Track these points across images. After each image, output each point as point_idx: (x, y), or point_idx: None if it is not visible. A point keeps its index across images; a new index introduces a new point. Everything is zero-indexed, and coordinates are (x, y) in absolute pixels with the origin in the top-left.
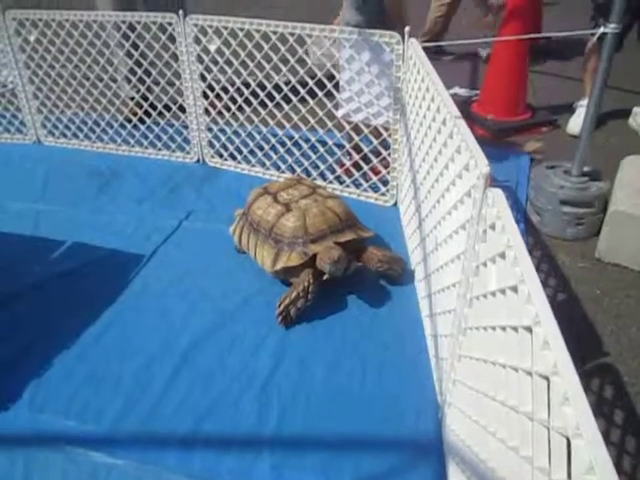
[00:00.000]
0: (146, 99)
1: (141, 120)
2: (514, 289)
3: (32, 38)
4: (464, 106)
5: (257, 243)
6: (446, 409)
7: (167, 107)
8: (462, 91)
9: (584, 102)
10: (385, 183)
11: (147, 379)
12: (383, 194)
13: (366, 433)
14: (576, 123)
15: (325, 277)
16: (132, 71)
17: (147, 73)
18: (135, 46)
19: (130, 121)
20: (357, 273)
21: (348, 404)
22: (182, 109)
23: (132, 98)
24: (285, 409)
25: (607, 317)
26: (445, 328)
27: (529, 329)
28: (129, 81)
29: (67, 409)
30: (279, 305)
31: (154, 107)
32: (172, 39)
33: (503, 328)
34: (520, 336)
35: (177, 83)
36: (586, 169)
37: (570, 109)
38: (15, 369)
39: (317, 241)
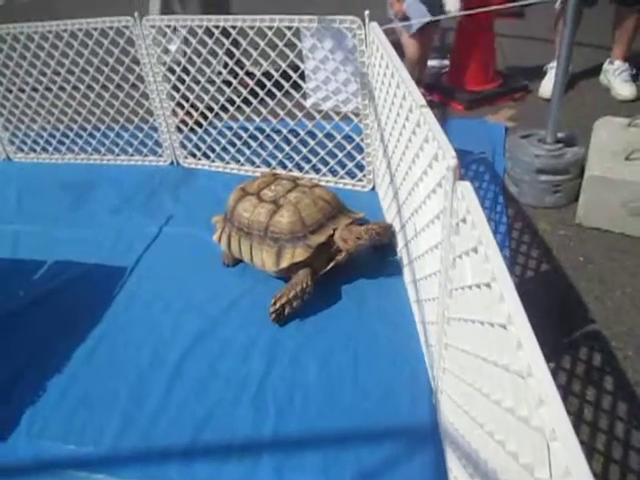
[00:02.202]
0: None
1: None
2: (488, 286)
3: None
4: (435, 78)
5: (252, 246)
6: (439, 395)
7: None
8: (433, 62)
9: (555, 64)
10: (361, 168)
11: (141, 394)
12: (360, 179)
13: (363, 426)
14: (548, 86)
15: (323, 272)
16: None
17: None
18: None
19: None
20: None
21: (343, 398)
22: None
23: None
24: (281, 410)
25: (591, 283)
26: (431, 315)
27: (504, 327)
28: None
29: (65, 433)
30: (274, 303)
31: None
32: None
33: (482, 323)
34: (497, 332)
35: (141, 87)
36: (560, 135)
37: (541, 72)
38: (9, 397)
39: (316, 232)
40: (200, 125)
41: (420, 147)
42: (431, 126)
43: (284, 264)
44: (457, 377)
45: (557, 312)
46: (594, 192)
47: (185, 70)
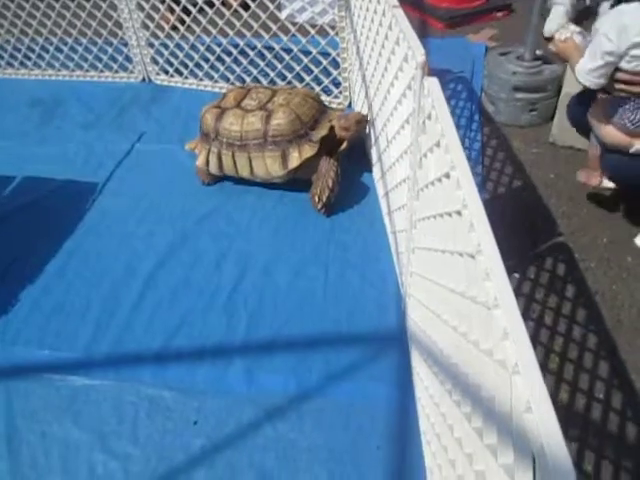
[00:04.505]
0: None
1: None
2: (447, 176)
3: None
4: None
5: (250, 156)
6: (407, 300)
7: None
8: None
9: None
10: (337, 85)
11: (114, 303)
12: (336, 96)
13: (332, 331)
14: (551, 25)
15: (341, 148)
16: None
17: None
18: None
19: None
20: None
21: (313, 306)
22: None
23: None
24: (252, 317)
25: (560, 200)
26: (400, 224)
27: (459, 213)
28: None
29: (40, 339)
30: (318, 200)
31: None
32: None
33: (441, 215)
34: (454, 220)
35: None
36: (539, 52)
37: None
38: None
39: (315, 127)
40: (183, 22)
41: (392, 51)
42: (402, 27)
43: (293, 164)
44: (422, 277)
45: (526, 226)
46: None
47: None
